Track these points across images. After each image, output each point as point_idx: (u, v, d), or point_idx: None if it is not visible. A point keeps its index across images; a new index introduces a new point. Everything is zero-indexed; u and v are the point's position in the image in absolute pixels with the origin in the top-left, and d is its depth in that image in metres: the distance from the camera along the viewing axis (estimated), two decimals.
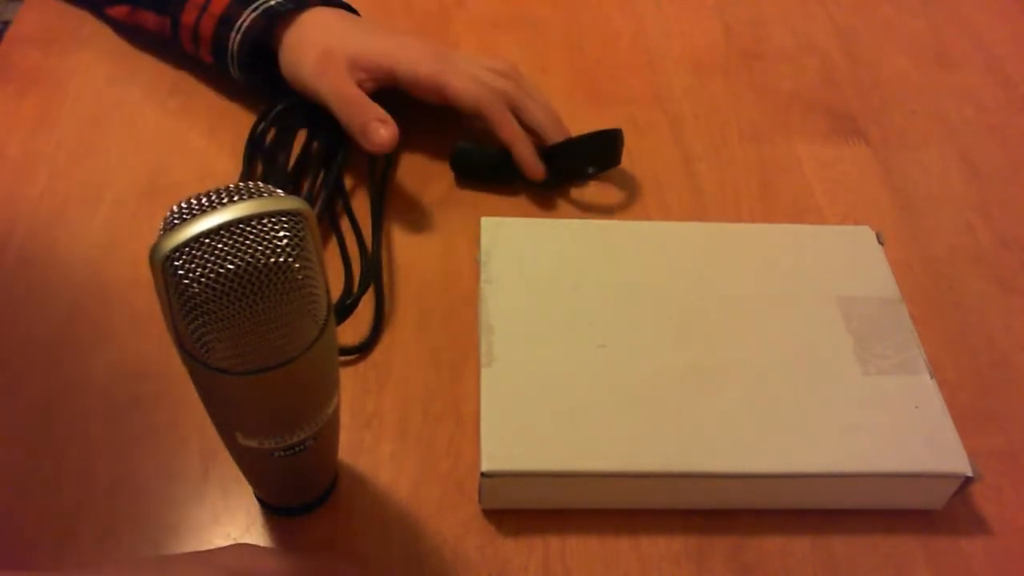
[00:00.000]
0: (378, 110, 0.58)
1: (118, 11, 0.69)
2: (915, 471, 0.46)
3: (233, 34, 0.62)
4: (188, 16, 0.63)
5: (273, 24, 0.62)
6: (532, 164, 0.61)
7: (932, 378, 0.50)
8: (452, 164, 0.63)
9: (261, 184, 0.33)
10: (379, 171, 0.63)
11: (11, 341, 0.53)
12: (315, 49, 0.61)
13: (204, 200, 0.32)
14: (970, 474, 0.46)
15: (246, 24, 0.61)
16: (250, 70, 0.63)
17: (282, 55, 0.62)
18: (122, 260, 0.57)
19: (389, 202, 0.62)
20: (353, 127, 0.59)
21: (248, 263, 0.31)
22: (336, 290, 0.56)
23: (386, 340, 0.55)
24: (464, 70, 0.62)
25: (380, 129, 0.58)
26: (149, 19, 0.67)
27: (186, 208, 0.32)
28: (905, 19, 0.80)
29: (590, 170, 0.63)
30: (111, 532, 0.45)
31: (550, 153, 0.62)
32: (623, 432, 0.47)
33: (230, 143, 0.64)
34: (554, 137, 0.63)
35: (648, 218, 0.62)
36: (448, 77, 0.61)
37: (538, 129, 0.63)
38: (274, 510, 0.47)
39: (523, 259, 0.55)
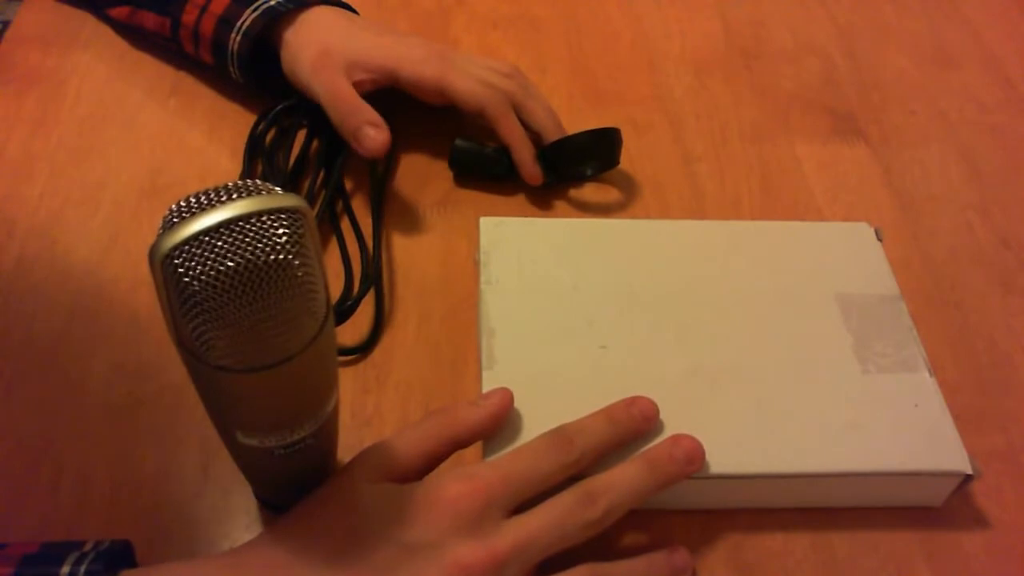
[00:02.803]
0: (371, 113, 0.58)
1: (118, 11, 0.69)
2: (915, 469, 0.46)
3: (234, 34, 0.62)
4: (188, 16, 0.63)
5: (274, 24, 0.62)
6: (531, 168, 0.61)
7: (931, 375, 0.50)
8: (450, 162, 0.63)
9: (260, 182, 0.33)
10: (379, 171, 0.63)
11: (11, 341, 0.53)
12: (315, 48, 0.61)
13: (203, 198, 0.32)
14: (969, 471, 0.46)
15: (247, 24, 0.61)
16: (250, 70, 0.63)
17: (284, 54, 0.62)
18: (122, 260, 0.57)
19: (389, 202, 0.62)
20: (345, 129, 0.58)
21: (248, 260, 0.31)
22: (336, 290, 0.56)
23: (386, 340, 0.55)
24: (467, 70, 0.62)
25: (371, 133, 0.57)
26: (149, 19, 0.67)
27: (185, 206, 0.32)
28: (905, 19, 0.80)
29: (588, 171, 0.63)
30: (111, 532, 0.45)
31: (548, 151, 0.62)
32: None
33: (230, 143, 0.64)
34: (554, 138, 0.63)
35: (648, 218, 0.62)
36: (452, 77, 0.61)
37: (539, 129, 0.63)
38: (274, 509, 0.47)
39: (523, 259, 0.55)
